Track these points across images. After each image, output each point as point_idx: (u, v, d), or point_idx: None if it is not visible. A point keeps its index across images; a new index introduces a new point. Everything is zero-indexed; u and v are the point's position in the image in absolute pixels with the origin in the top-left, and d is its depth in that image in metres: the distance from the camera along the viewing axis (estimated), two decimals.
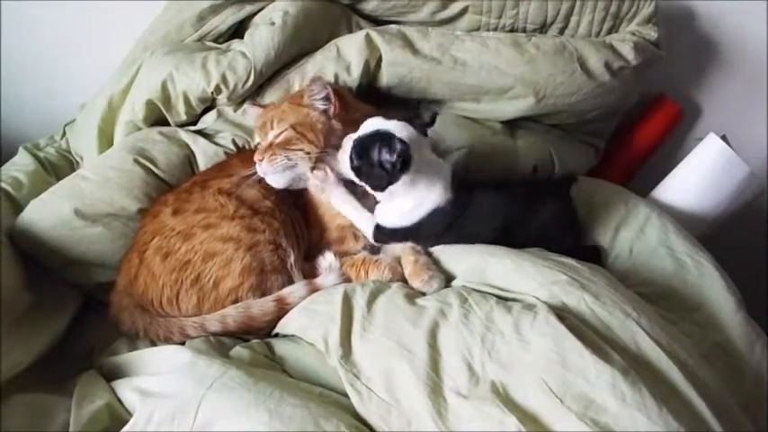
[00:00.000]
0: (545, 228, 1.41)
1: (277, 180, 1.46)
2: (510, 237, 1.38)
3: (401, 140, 1.26)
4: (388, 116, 1.35)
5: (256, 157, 1.45)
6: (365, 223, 1.44)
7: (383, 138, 1.29)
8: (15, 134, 2.04)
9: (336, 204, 1.45)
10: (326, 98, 1.46)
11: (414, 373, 1.07)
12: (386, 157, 1.27)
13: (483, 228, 1.39)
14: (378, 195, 1.37)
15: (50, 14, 1.96)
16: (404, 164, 1.27)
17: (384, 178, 1.30)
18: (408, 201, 1.36)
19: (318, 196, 1.51)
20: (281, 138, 1.44)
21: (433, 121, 1.48)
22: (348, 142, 1.35)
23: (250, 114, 1.62)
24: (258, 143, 1.50)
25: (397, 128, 1.31)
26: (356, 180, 1.35)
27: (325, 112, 1.47)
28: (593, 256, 1.45)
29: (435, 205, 1.37)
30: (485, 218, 1.41)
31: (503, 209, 1.42)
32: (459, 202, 1.38)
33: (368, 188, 1.36)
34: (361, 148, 1.31)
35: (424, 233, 1.40)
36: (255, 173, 1.46)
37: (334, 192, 1.45)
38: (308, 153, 1.43)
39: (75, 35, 2.00)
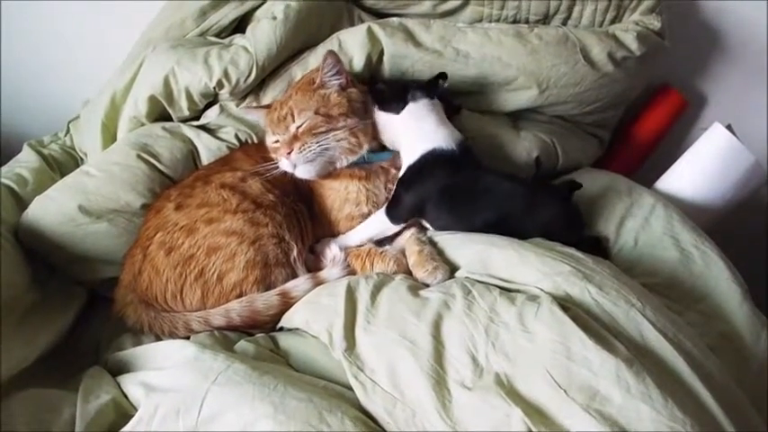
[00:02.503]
0: (546, 227, 1.40)
1: (309, 170, 1.46)
2: (508, 231, 1.37)
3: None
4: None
5: (283, 151, 1.44)
6: (378, 218, 1.47)
7: (415, 81, 1.54)
8: (19, 131, 2.04)
9: (353, 240, 1.48)
10: (339, 72, 1.47)
11: (418, 366, 1.07)
12: (414, 84, 1.49)
13: (480, 208, 1.41)
14: (390, 124, 1.50)
15: (53, 11, 1.96)
16: (426, 89, 1.48)
17: (403, 97, 1.48)
18: (415, 137, 1.46)
19: (327, 186, 1.51)
20: (305, 126, 1.44)
21: (457, 111, 1.57)
22: None
23: (252, 117, 1.62)
24: (276, 141, 1.49)
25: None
26: (376, 107, 1.51)
27: (340, 86, 1.47)
28: (592, 246, 1.45)
29: (436, 145, 1.43)
30: (484, 198, 1.41)
31: (503, 197, 1.42)
32: (460, 161, 1.43)
33: (382, 114, 1.50)
34: (396, 81, 1.55)
35: (425, 183, 1.42)
36: (274, 167, 1.46)
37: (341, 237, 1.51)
38: (346, 127, 1.44)
39: (77, 32, 2.00)
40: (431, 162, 1.43)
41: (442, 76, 1.51)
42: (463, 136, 1.49)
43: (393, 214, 1.45)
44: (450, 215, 1.42)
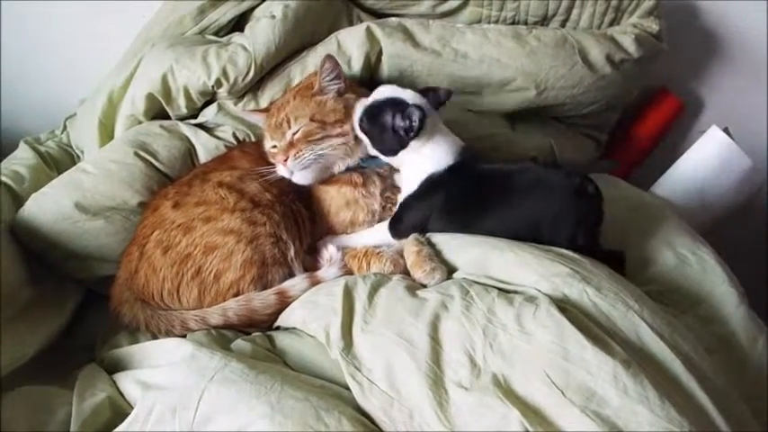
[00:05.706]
0: (539, 213, 1.34)
1: (305, 176, 1.46)
2: (507, 219, 1.35)
3: (417, 106, 1.34)
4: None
5: (280, 158, 1.44)
6: (380, 231, 1.46)
7: (396, 104, 1.37)
8: (16, 128, 2.03)
9: (352, 243, 1.47)
10: (338, 77, 1.46)
11: (415, 366, 1.07)
12: (399, 123, 1.35)
13: (488, 210, 1.38)
14: (388, 160, 1.45)
15: (51, 8, 1.95)
16: (418, 130, 1.34)
17: (396, 143, 1.38)
18: (413, 165, 1.42)
19: (324, 191, 1.51)
20: (301, 133, 1.43)
21: (446, 98, 1.47)
22: (359, 106, 1.42)
23: (253, 119, 1.61)
24: (273, 146, 1.48)
25: (411, 96, 1.39)
26: (367, 144, 1.43)
27: (338, 91, 1.47)
28: (614, 260, 1.36)
29: (433, 170, 1.40)
30: (490, 201, 1.39)
31: (508, 192, 1.38)
32: (461, 175, 1.39)
33: (378, 153, 1.43)
34: (373, 113, 1.39)
35: (427, 204, 1.40)
36: (273, 172, 1.46)
37: (342, 238, 1.50)
38: (343, 135, 1.44)
39: (75, 29, 2.00)
40: (430, 186, 1.40)
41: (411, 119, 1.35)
42: (461, 143, 1.44)
43: (396, 231, 1.44)
44: (456, 225, 1.41)
